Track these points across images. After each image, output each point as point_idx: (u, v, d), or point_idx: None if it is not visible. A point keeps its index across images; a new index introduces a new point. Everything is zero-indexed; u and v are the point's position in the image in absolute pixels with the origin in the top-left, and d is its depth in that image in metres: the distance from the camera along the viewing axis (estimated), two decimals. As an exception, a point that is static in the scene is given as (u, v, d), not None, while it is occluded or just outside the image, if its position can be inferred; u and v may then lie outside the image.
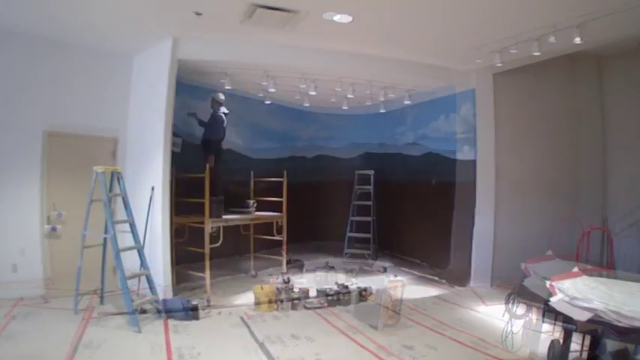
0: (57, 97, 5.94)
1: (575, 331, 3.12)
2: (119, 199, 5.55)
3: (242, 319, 5.22)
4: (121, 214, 5.70)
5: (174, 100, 5.95)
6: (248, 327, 4.93)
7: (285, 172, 7.42)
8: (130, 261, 5.65)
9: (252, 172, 7.92)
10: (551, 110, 7.36)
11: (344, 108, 8.15)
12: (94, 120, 6.24)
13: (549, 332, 3.96)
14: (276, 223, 7.48)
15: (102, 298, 5.58)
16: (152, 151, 5.95)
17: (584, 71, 7.52)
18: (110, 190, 5.30)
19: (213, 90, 7.26)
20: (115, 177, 5.40)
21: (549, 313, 3.29)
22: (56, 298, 5.53)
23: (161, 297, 5.41)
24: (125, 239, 5.63)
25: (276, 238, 7.48)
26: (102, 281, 5.59)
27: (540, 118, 7.30)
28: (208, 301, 5.56)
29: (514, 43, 5.62)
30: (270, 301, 5.62)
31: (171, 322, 4.98)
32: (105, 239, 5.46)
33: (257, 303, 5.65)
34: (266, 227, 7.59)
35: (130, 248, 5.39)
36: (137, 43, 6.09)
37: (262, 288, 5.75)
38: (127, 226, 5.40)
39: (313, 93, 7.06)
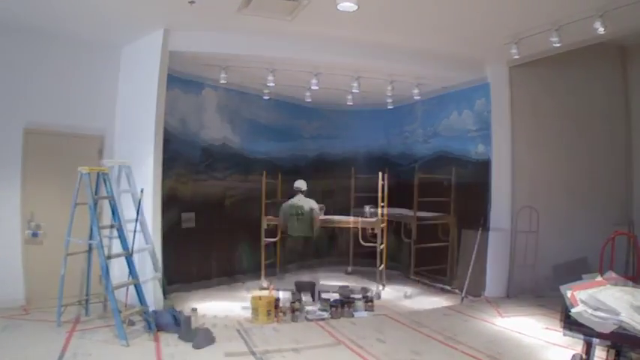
0: (38, 92, 5.94)
1: (598, 344, 3.13)
2: (106, 203, 5.57)
3: (239, 331, 5.24)
4: (107, 218, 5.72)
5: (165, 95, 5.97)
6: (245, 340, 4.95)
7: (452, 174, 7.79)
8: (118, 269, 5.68)
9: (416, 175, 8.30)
10: (572, 105, 7.37)
11: (349, 103, 8.17)
12: (79, 116, 6.25)
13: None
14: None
15: (87, 309, 5.59)
16: (142, 150, 5.97)
17: (607, 63, 7.54)
18: (96, 193, 5.32)
19: (208, 84, 7.29)
20: (102, 178, 5.41)
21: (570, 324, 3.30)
22: (38, 308, 5.56)
23: (151, 308, 5.43)
24: (113, 245, 5.65)
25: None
26: (87, 291, 5.61)
27: (560, 114, 7.31)
28: (193, 309, 5.53)
29: (532, 34, 5.64)
30: (269, 312, 5.65)
31: (162, 335, 5.00)
32: (90, 245, 5.47)
33: (254, 314, 5.68)
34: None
35: (118, 255, 5.40)
36: (126, 34, 6.11)
37: (260, 298, 5.77)
38: (114, 232, 5.42)
39: (315, 88, 7.07)
